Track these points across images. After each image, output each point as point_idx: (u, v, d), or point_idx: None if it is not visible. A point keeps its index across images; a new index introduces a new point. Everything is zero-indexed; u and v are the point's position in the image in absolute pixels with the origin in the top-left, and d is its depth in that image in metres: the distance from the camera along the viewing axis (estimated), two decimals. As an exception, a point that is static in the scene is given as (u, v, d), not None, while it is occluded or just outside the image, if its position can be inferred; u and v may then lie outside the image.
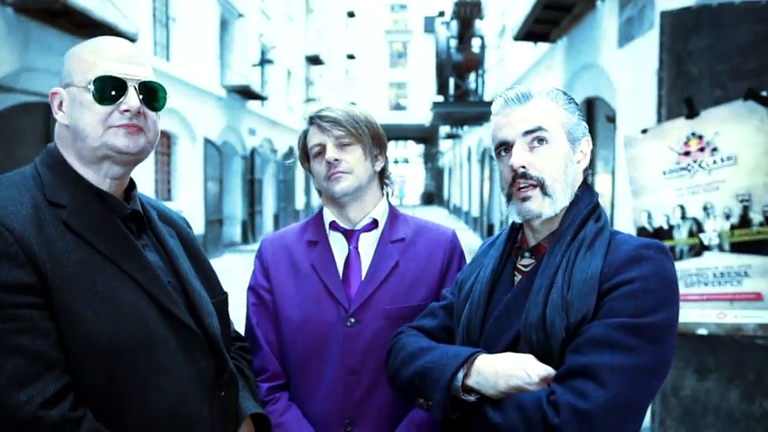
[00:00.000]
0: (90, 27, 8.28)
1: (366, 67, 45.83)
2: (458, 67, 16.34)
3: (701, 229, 3.47)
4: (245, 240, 17.36)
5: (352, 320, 1.55)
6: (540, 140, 1.24)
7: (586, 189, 1.31)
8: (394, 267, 1.59)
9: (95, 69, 1.19)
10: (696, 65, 3.57)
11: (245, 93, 16.21)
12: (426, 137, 44.18)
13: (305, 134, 1.64)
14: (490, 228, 17.05)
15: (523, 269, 1.31)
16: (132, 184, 1.33)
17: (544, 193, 1.24)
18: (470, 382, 1.19)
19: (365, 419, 1.54)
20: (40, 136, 7.99)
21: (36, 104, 7.92)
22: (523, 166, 1.24)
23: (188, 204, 12.94)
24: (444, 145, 36.58)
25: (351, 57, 41.59)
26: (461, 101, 16.45)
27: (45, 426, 1.02)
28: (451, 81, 16.19)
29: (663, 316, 1.12)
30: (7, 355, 1.02)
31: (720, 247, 3.36)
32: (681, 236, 3.43)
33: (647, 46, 5.86)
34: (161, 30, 12.21)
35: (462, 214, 26.23)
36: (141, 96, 1.21)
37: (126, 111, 1.19)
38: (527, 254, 1.32)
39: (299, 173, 25.54)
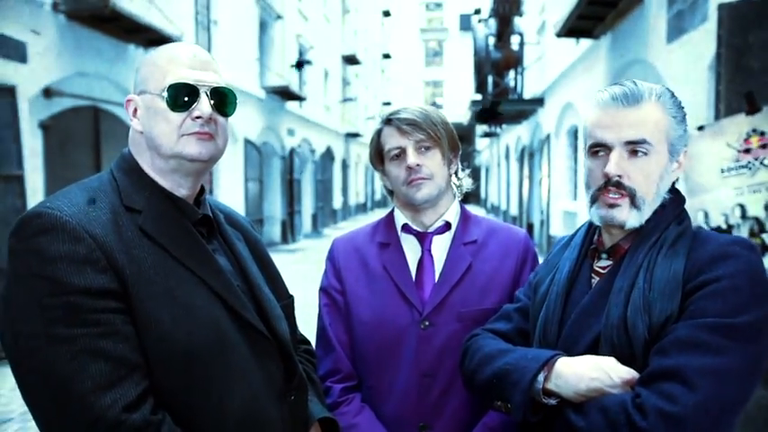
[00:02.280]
0: (137, 32, 8.49)
1: (402, 66, 45.80)
2: (496, 64, 16.17)
3: (762, 229, 3.35)
4: (284, 240, 17.53)
5: (426, 323, 1.54)
6: (641, 151, 1.19)
7: (675, 194, 1.26)
8: (467, 270, 1.57)
9: (169, 76, 1.20)
10: (757, 59, 3.46)
11: (284, 93, 16.37)
12: (463, 135, 43.89)
13: (378, 134, 1.62)
14: (529, 227, 16.84)
15: (601, 271, 1.28)
16: (202, 189, 1.34)
17: (633, 204, 1.20)
18: (551, 385, 1.16)
19: (440, 422, 1.53)
20: (90, 139, 8.22)
21: (86, 108, 8.15)
22: (619, 176, 1.19)
23: (229, 204, 12.98)
24: (481, 143, 36.32)
25: (386, 56, 41.62)
26: (500, 99, 16.27)
27: (128, 429, 1.03)
28: (490, 79, 16.03)
29: (754, 315, 1.07)
30: (91, 358, 1.03)
31: (782, 248, 3.23)
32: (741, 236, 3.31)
33: (700, 40, 5.69)
34: (203, 33, 12.42)
35: (500, 213, 25.99)
36: (213, 102, 1.22)
37: (198, 117, 1.20)
38: (604, 255, 1.29)
39: (337, 172, 25.71)
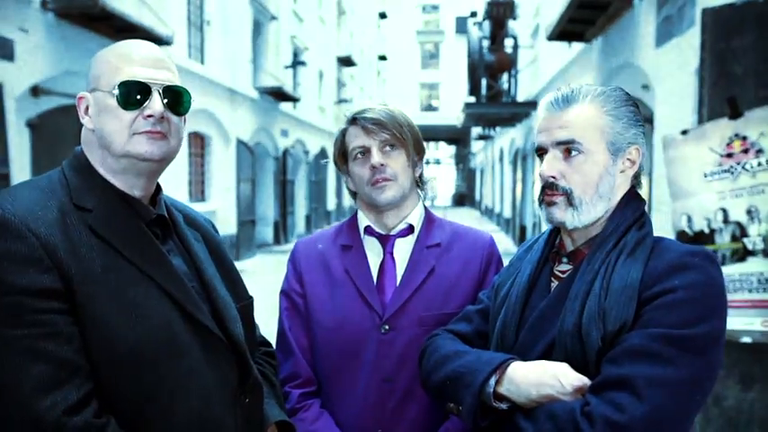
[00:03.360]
0: (127, 31, 8.43)
1: (398, 68, 45.79)
2: (490, 67, 16.19)
3: (744, 233, 3.35)
4: (276, 241, 17.49)
5: (387, 327, 1.52)
6: (573, 153, 1.20)
7: (633, 197, 1.25)
8: (429, 273, 1.55)
9: (120, 74, 1.18)
10: (740, 64, 3.46)
11: (278, 94, 16.34)
12: (458, 138, 43.95)
13: (343, 134, 1.60)
14: (522, 230, 16.87)
15: (561, 275, 1.28)
16: (158, 188, 1.32)
17: (569, 203, 1.20)
18: (502, 389, 1.16)
19: (399, 428, 1.51)
20: (78, 138, 8.16)
21: (75, 107, 8.08)
22: (553, 176, 1.20)
23: (221, 205, 13.08)
24: (476, 146, 36.35)
25: (382, 58, 41.62)
26: (494, 102, 16.29)
27: None
28: (484, 82, 16.05)
29: (707, 327, 1.06)
30: (32, 360, 1.01)
31: (765, 253, 3.24)
32: (723, 240, 3.31)
33: (687, 45, 5.70)
34: (195, 33, 12.38)
35: (494, 216, 26.01)
36: (165, 101, 1.20)
37: (149, 116, 1.18)
38: (565, 259, 1.28)
39: (331, 174, 25.68)
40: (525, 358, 1.19)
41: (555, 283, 1.27)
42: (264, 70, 16.23)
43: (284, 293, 1.65)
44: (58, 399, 1.01)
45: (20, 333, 1.01)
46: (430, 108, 45.00)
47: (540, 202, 1.25)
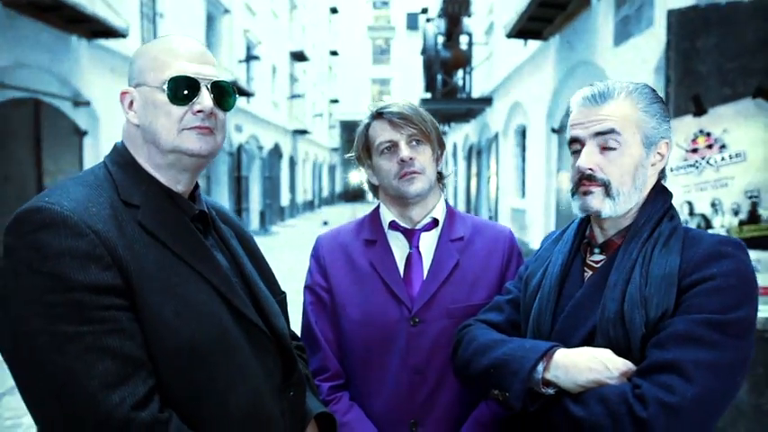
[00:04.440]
0: (80, 22, 8.16)
1: (349, 63, 45.69)
2: (446, 63, 16.35)
3: (709, 225, 3.53)
4: (232, 238, 17.21)
5: (416, 320, 1.54)
6: (612, 144, 1.24)
7: (661, 190, 1.32)
8: (455, 266, 1.58)
9: (169, 69, 1.17)
10: (704, 63, 3.61)
11: (232, 89, 16.05)
12: (410, 133, 44.01)
13: (367, 128, 1.62)
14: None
15: (594, 265, 1.33)
16: (197, 185, 1.32)
17: (607, 194, 1.25)
18: (549, 375, 1.20)
19: (430, 419, 1.54)
20: (30, 131, 7.86)
21: (26, 100, 7.78)
22: (591, 169, 1.25)
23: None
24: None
25: (334, 53, 41.45)
26: (450, 98, 16.47)
27: (137, 427, 1.00)
28: (439, 78, 16.20)
29: (745, 312, 1.14)
30: (98, 357, 1.00)
31: (729, 243, 3.40)
32: (689, 232, 3.47)
33: (645, 44, 5.93)
34: (148, 26, 12.05)
35: (448, 211, 26.22)
36: (213, 96, 1.20)
37: (199, 111, 1.18)
38: (597, 250, 1.33)
39: (285, 170, 25.44)
40: (565, 345, 1.24)
41: (588, 273, 1.33)
42: (218, 64, 15.93)
43: (308, 288, 1.66)
44: (126, 394, 1.01)
45: (84, 330, 1.00)
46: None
47: (574, 192, 1.30)
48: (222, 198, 16.99)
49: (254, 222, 20.07)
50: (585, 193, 1.26)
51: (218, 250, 1.29)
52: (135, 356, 1.04)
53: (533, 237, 11.22)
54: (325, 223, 22.55)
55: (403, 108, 1.55)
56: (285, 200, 25.93)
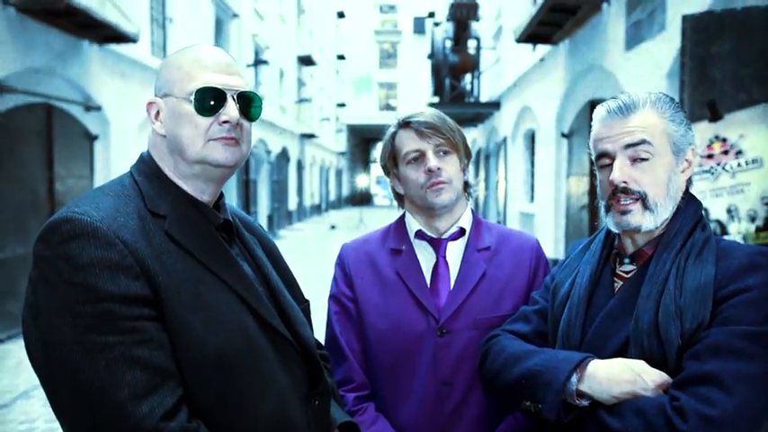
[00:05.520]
0: (92, 27, 8.19)
1: (356, 67, 45.78)
2: (454, 68, 16.36)
3: (724, 231, 3.50)
4: (240, 242, 17.24)
5: (444, 330, 1.53)
6: (643, 156, 1.23)
7: (691, 198, 1.31)
8: (482, 276, 1.57)
9: (196, 80, 1.18)
10: (719, 68, 3.59)
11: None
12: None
13: (393, 137, 1.60)
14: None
15: (624, 275, 1.31)
16: (221, 194, 1.32)
17: (645, 207, 1.23)
18: (583, 386, 1.19)
19: (458, 429, 1.52)
20: (42, 137, 7.90)
21: (38, 105, 7.82)
22: (625, 182, 1.23)
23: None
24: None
25: (341, 57, 41.54)
26: (458, 102, 16.46)
27: None
28: (447, 82, 16.21)
29: None
30: (127, 367, 1.00)
31: (745, 250, 3.38)
32: (704, 238, 3.44)
33: (658, 49, 5.90)
34: (158, 30, 12.11)
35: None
36: (238, 106, 1.20)
37: (225, 122, 1.18)
38: (627, 260, 1.32)
39: (292, 173, 25.48)
40: (596, 356, 1.22)
41: (618, 284, 1.31)
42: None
43: (334, 298, 1.65)
44: (155, 404, 1.01)
45: (113, 340, 1.00)
46: (388, 107, 45.10)
47: (608, 209, 1.28)
48: (230, 202, 16.97)
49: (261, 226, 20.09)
50: (624, 213, 1.24)
51: (244, 259, 1.30)
52: (164, 367, 1.04)
53: (543, 242, 11.16)
54: (333, 227, 22.58)
55: (430, 117, 1.55)
56: (293, 204, 25.96)
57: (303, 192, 29.14)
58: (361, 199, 44.81)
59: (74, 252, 1.01)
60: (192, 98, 1.16)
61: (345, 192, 47.02)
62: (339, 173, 44.50)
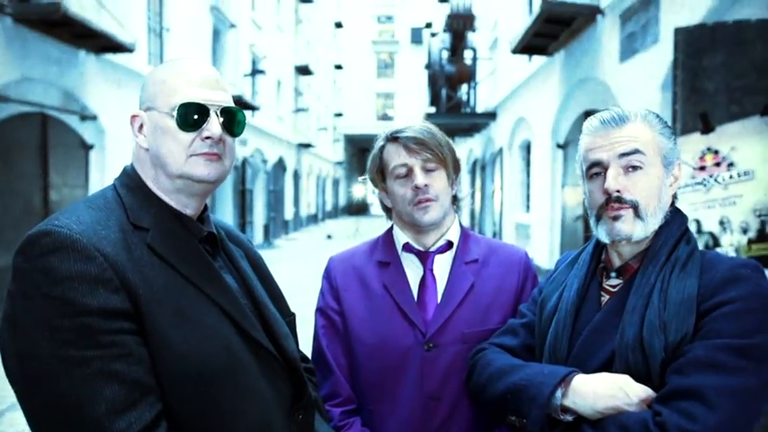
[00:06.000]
0: (88, 37, 8.22)
1: (353, 77, 45.94)
2: (450, 78, 16.44)
3: (717, 243, 3.51)
4: (236, 251, 17.22)
5: (431, 345, 1.51)
6: (636, 165, 1.24)
7: (676, 211, 1.31)
8: (470, 289, 1.55)
9: (178, 95, 1.17)
10: (711, 81, 3.61)
11: (237, 103, 15.89)
12: (414, 147, 44.09)
13: (381, 151, 1.59)
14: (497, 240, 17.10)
15: (611, 289, 1.31)
16: (206, 206, 1.31)
17: (637, 215, 1.23)
18: (568, 401, 1.18)
19: None
20: (37, 146, 7.89)
21: (34, 114, 7.83)
22: (618, 190, 1.23)
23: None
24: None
25: (338, 67, 41.69)
26: (454, 112, 16.52)
27: None
28: (444, 92, 16.27)
29: (766, 336, 1.11)
30: (105, 382, 0.99)
31: (738, 261, 3.38)
32: (697, 249, 3.44)
33: (651, 60, 5.94)
34: (155, 40, 12.15)
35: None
36: (222, 121, 1.20)
37: (207, 138, 1.17)
38: (614, 274, 1.32)
39: (289, 183, 25.49)
40: (582, 371, 1.22)
41: (605, 297, 1.31)
42: (224, 78, 16.02)
43: (320, 311, 1.63)
44: (133, 420, 0.99)
45: (91, 354, 0.99)
46: (386, 117, 45.23)
47: (598, 219, 1.28)
48: (227, 211, 17.03)
49: (258, 236, 20.09)
50: (615, 218, 1.24)
51: (227, 272, 1.29)
52: (142, 381, 1.03)
53: (538, 252, 11.18)
54: (329, 237, 22.55)
55: (418, 132, 1.53)
56: (289, 213, 25.96)
57: (299, 201, 29.15)
58: (358, 209, 44.80)
59: (53, 265, 1.00)
60: (175, 113, 1.16)
61: (342, 201, 47.05)
62: (336, 182, 44.53)
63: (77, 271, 1.01)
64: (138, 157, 1.23)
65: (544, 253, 10.66)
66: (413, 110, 39.77)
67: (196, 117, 1.16)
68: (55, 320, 0.98)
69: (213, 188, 1.25)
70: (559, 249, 10.22)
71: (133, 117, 1.22)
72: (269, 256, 16.66)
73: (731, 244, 3.50)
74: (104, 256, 1.04)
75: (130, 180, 1.22)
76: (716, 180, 3.56)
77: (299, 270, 12.47)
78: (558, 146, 10.05)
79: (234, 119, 1.23)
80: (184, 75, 1.19)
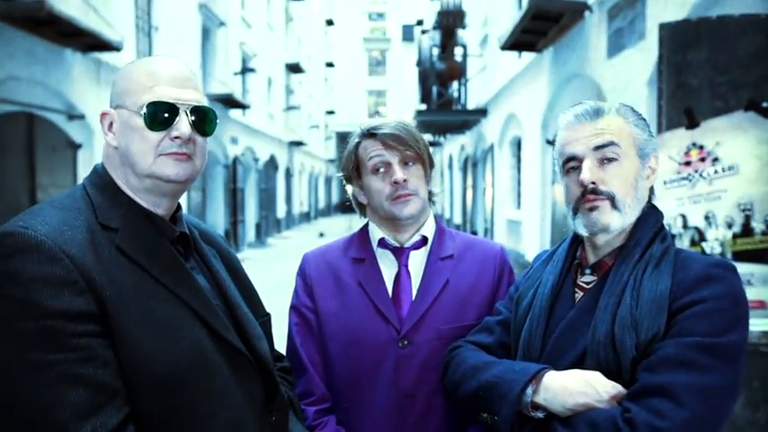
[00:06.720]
0: (75, 36, 8.16)
1: (345, 74, 45.86)
2: (441, 75, 16.43)
3: (702, 237, 3.52)
4: (227, 250, 17.17)
5: (405, 342, 1.50)
6: (611, 156, 1.24)
7: (652, 208, 1.31)
8: (445, 285, 1.54)
9: (148, 93, 1.15)
10: (696, 76, 3.62)
11: (228, 101, 16.07)
12: (406, 144, 44.10)
13: (356, 147, 1.58)
14: (473, 235, 17.13)
15: (585, 286, 1.31)
16: (179, 206, 1.30)
17: (614, 206, 1.23)
18: (539, 398, 1.18)
19: None
20: (23, 146, 7.84)
21: (19, 114, 7.77)
22: (594, 182, 1.23)
23: (171, 214, 12.76)
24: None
25: (330, 65, 41.61)
26: (445, 109, 16.52)
27: None
28: (434, 89, 16.27)
29: (736, 336, 1.12)
30: (70, 385, 0.98)
31: (722, 256, 3.40)
32: (683, 245, 3.46)
33: (638, 57, 5.95)
34: (143, 39, 12.07)
35: (444, 222, 26.26)
36: (192, 120, 1.18)
37: (177, 137, 1.16)
38: (588, 271, 1.32)
39: (281, 181, 25.43)
40: (555, 367, 1.22)
41: (579, 294, 1.31)
42: (214, 77, 15.96)
43: (294, 308, 1.62)
44: (98, 424, 0.98)
45: (56, 358, 0.98)
46: (377, 115, 45.13)
47: (576, 210, 1.28)
48: (218, 210, 16.97)
49: (249, 234, 20.03)
50: (592, 209, 1.24)
51: (200, 272, 1.27)
52: (108, 385, 1.02)
53: (529, 248, 11.21)
54: (322, 235, 22.53)
55: (395, 128, 1.52)
56: (281, 212, 25.90)
57: (292, 199, 29.10)
58: (351, 206, 44.60)
59: (17, 267, 0.99)
60: (143, 112, 1.14)
61: (335, 199, 46.99)
62: (328, 180, 44.47)
63: (42, 273, 0.99)
64: (108, 156, 1.22)
65: (535, 249, 10.68)
66: (405, 107, 39.74)
67: (165, 116, 1.15)
68: (18, 323, 0.97)
69: (184, 188, 1.24)
70: (550, 246, 10.23)
71: (103, 115, 1.21)
72: (261, 255, 16.62)
73: (716, 238, 3.52)
74: (70, 257, 1.02)
75: (100, 179, 1.20)
76: (701, 175, 3.56)
77: (291, 268, 12.43)
78: (548, 142, 10.06)
79: (205, 118, 1.21)
80: (154, 73, 1.18)
